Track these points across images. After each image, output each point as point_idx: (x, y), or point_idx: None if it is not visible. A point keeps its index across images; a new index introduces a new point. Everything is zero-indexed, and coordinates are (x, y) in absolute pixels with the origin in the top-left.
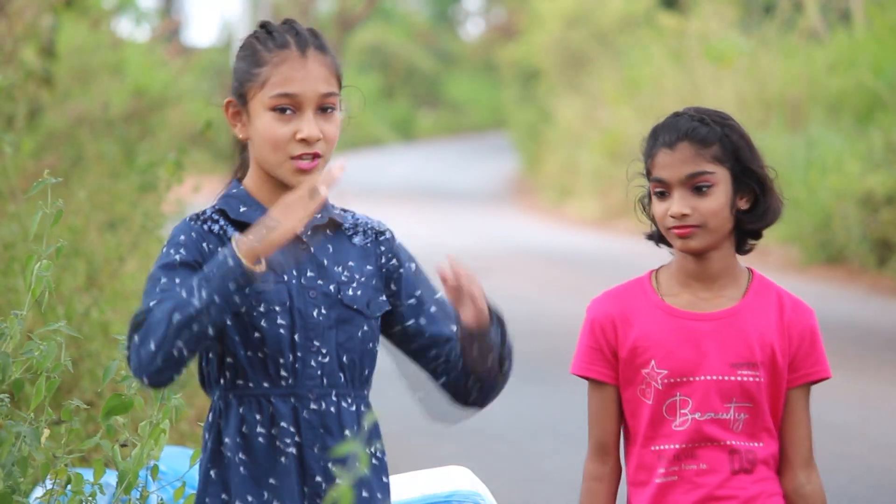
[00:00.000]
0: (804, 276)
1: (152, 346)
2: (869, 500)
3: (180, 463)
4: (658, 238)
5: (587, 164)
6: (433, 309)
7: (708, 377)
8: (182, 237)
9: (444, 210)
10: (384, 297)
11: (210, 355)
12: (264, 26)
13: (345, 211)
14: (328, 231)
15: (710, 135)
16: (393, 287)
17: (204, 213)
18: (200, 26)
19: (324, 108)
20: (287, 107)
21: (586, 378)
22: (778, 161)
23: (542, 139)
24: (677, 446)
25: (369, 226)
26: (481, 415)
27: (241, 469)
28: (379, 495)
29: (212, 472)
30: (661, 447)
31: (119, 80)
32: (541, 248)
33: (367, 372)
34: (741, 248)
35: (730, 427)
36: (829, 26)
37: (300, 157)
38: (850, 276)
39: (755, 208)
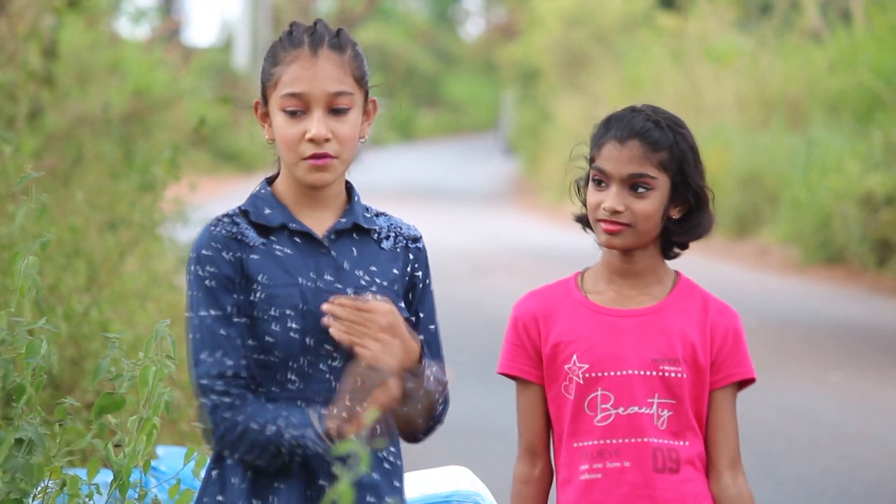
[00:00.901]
0: (804, 276)
1: (242, 450)
2: (869, 499)
3: (181, 463)
4: (586, 223)
5: (587, 165)
6: (421, 337)
7: (629, 371)
8: (205, 251)
9: (444, 210)
10: (402, 304)
11: None
12: (290, 26)
13: (378, 215)
14: (354, 235)
15: (662, 139)
16: (410, 297)
17: (226, 215)
18: (200, 26)
19: (336, 109)
20: (296, 107)
21: (511, 377)
22: (778, 161)
23: (542, 139)
24: (599, 442)
25: (403, 231)
26: (481, 414)
27: (249, 473)
28: (388, 500)
29: (213, 473)
30: (584, 443)
31: (119, 80)
32: (541, 248)
33: None
34: (667, 254)
35: (653, 423)
36: (829, 26)
37: (312, 156)
38: (850, 276)
39: (686, 220)
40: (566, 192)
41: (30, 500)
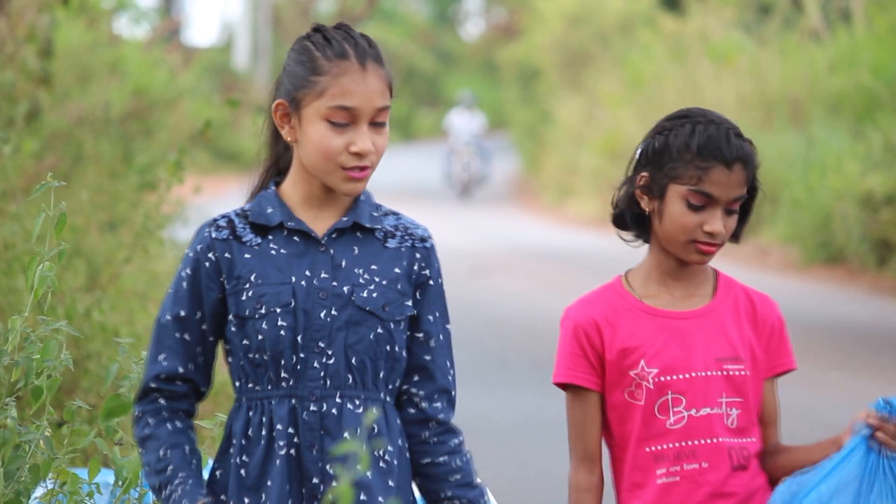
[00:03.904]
0: (804, 276)
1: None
2: None
3: None
4: (626, 223)
5: (587, 164)
6: (423, 336)
7: (698, 373)
8: (191, 253)
9: (444, 210)
10: (409, 303)
11: (230, 360)
12: (319, 30)
13: (386, 215)
14: (357, 233)
15: (754, 158)
16: (418, 296)
17: (223, 216)
18: (200, 26)
19: (377, 122)
20: (344, 119)
21: (570, 385)
22: (778, 161)
23: (542, 139)
24: (675, 445)
25: (410, 230)
26: (481, 414)
27: (241, 471)
28: (380, 499)
29: (217, 472)
30: (658, 447)
31: (119, 80)
32: (541, 248)
33: (382, 374)
34: None
35: (724, 422)
36: (830, 26)
37: (352, 167)
38: (850, 276)
39: (743, 219)
40: (566, 193)
41: (30, 500)
